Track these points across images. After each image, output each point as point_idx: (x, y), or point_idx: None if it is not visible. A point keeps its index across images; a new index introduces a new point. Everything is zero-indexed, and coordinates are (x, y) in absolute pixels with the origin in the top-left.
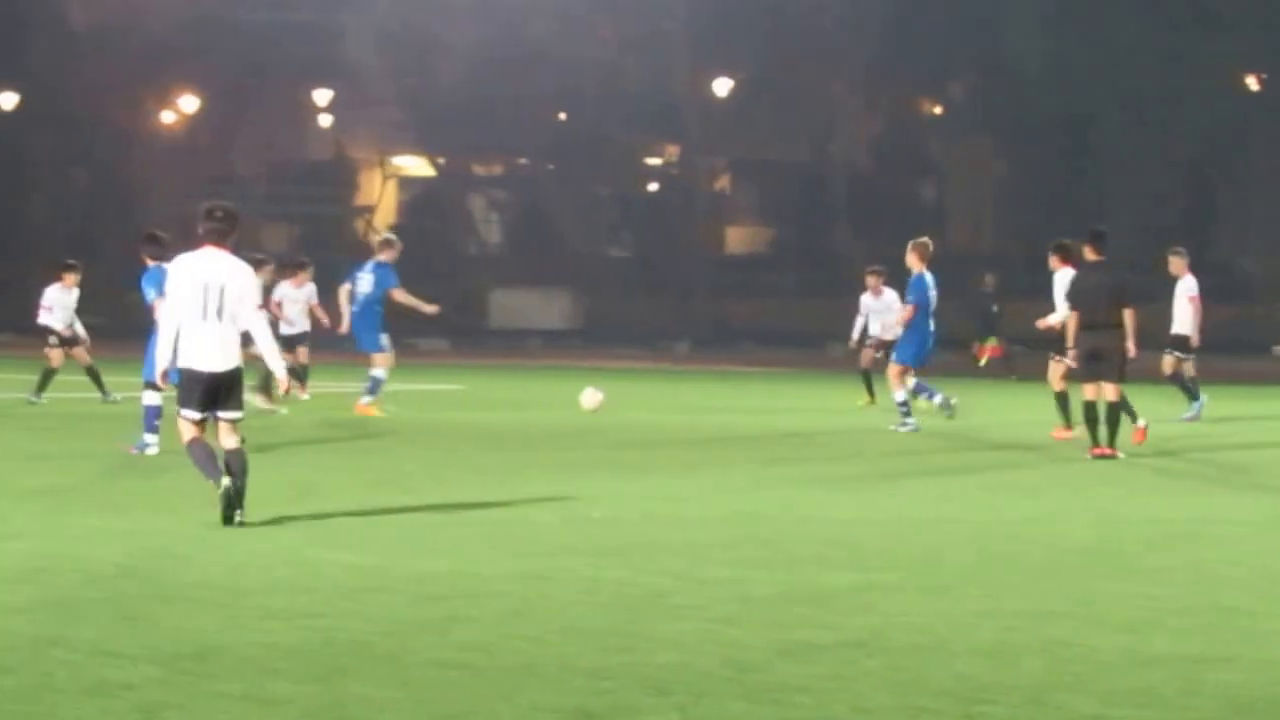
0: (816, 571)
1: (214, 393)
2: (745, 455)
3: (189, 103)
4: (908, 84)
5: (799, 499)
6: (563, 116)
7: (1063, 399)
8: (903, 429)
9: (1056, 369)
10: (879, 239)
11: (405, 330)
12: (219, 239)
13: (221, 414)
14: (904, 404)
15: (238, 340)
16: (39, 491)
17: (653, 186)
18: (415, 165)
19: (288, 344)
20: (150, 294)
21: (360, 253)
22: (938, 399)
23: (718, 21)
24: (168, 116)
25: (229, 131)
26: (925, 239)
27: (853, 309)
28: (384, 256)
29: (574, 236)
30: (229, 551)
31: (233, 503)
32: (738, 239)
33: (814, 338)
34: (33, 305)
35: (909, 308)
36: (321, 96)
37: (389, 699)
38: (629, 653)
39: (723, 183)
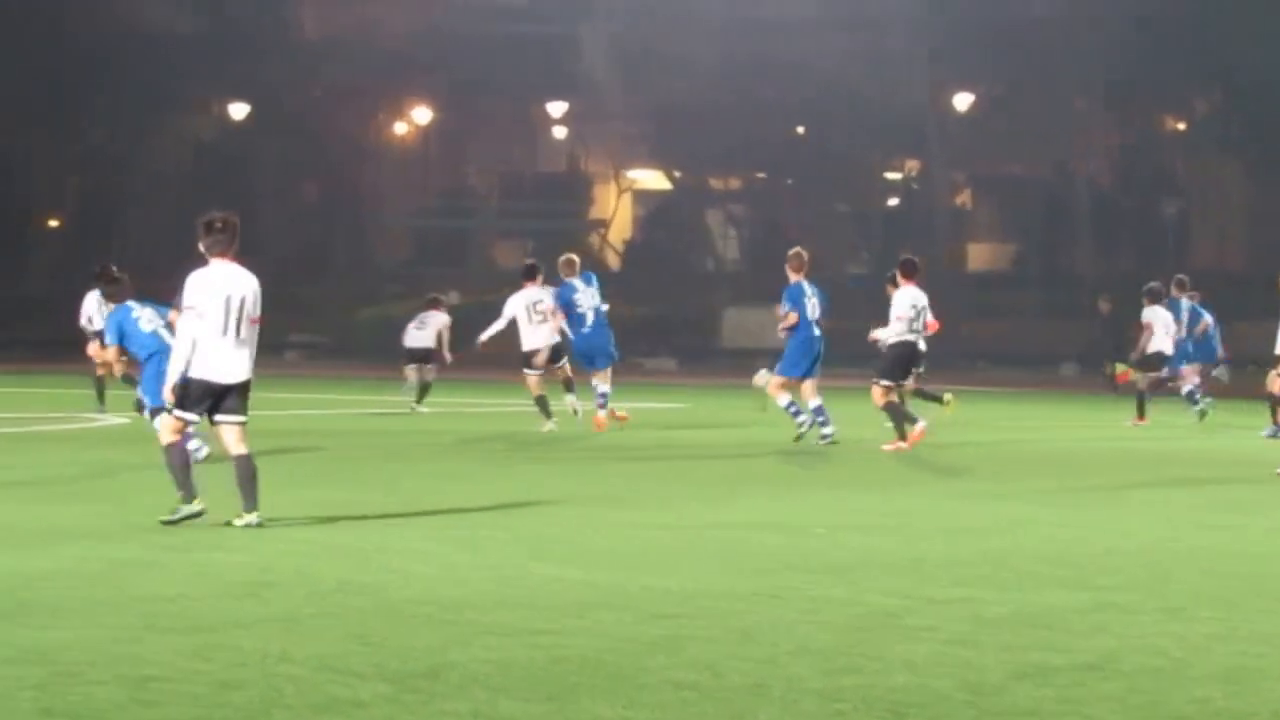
0: (1046, 591)
1: (220, 399)
2: (964, 471)
3: (422, 114)
4: (1150, 99)
5: (1019, 515)
6: (801, 131)
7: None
8: (823, 441)
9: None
10: (1120, 257)
11: (635, 349)
12: (224, 249)
13: (228, 418)
14: (792, 407)
15: (254, 354)
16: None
17: (892, 202)
18: (651, 179)
19: (412, 357)
20: (110, 338)
21: (594, 267)
22: (816, 423)
23: (959, 35)
24: (400, 128)
25: (461, 144)
26: (799, 249)
27: (1091, 329)
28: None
29: (814, 252)
30: (453, 566)
31: (184, 520)
32: (978, 256)
33: (1049, 358)
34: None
35: (790, 315)
36: (556, 109)
37: (620, 718)
38: (860, 674)
39: (963, 198)
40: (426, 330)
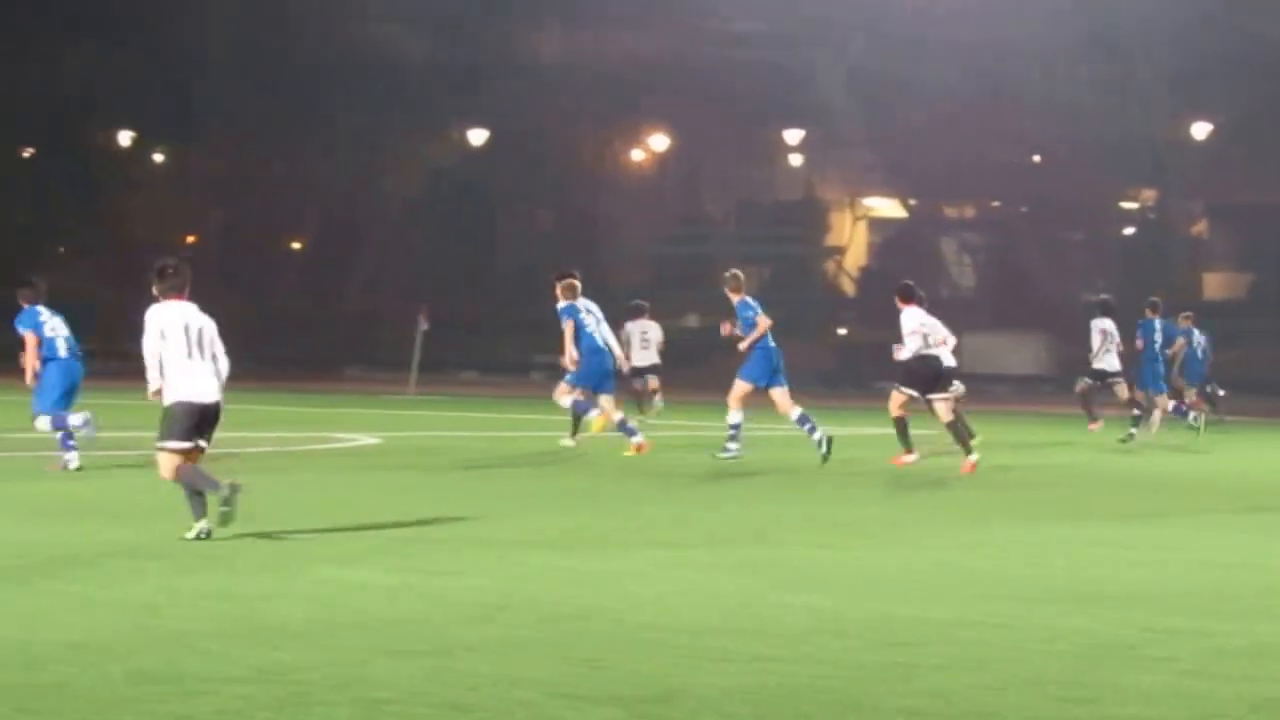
0: None
1: (202, 423)
2: (1194, 503)
3: (659, 141)
4: None
5: (1257, 546)
6: (1036, 159)
7: None
8: (723, 455)
9: None
10: None
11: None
12: (179, 292)
13: (204, 443)
14: (735, 426)
15: (221, 376)
16: (491, 528)
17: (1128, 231)
18: (886, 207)
19: (637, 373)
20: (25, 332)
21: (831, 293)
22: (817, 435)
23: (1197, 64)
24: (636, 155)
25: (697, 171)
26: (735, 270)
27: None
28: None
29: (1046, 281)
30: (687, 592)
31: (232, 501)
32: (1214, 285)
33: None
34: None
35: (761, 321)
36: (792, 136)
37: None
38: (1093, 705)
39: (1200, 228)
40: (650, 349)
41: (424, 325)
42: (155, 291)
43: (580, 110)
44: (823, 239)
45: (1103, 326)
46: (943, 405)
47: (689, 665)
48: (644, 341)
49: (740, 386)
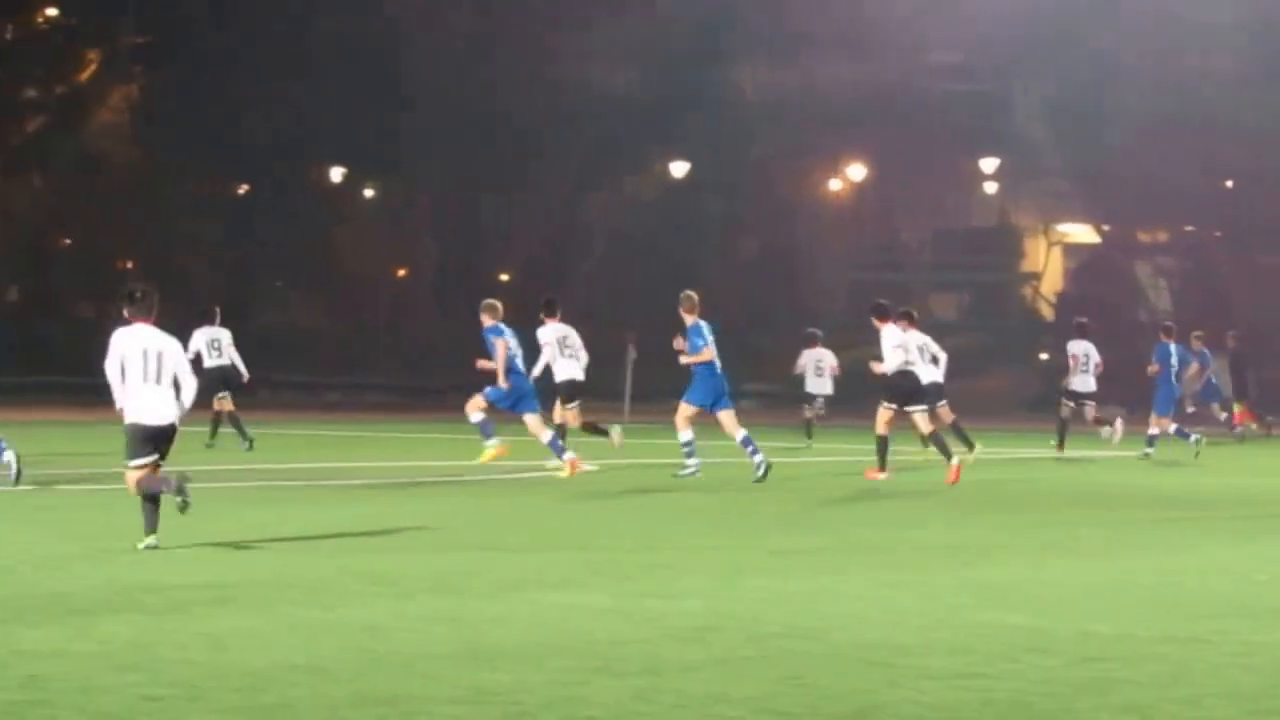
0: None
1: (157, 440)
2: None
3: (856, 171)
4: None
5: None
6: (1229, 184)
7: None
8: (683, 473)
9: None
10: None
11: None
12: (145, 316)
13: (160, 459)
14: (688, 444)
15: (174, 397)
16: (702, 551)
17: None
18: (1080, 232)
19: (810, 399)
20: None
21: (1029, 319)
22: (757, 458)
23: None
24: (834, 185)
25: (894, 199)
26: (689, 292)
27: None
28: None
29: (1243, 304)
30: (893, 611)
31: (185, 492)
32: None
33: None
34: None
35: (705, 352)
36: (988, 165)
37: None
38: None
39: None
40: (825, 377)
41: (633, 354)
42: (125, 314)
43: (779, 141)
44: (1017, 265)
45: (1075, 350)
46: (920, 418)
47: (890, 682)
48: (818, 369)
49: (685, 409)
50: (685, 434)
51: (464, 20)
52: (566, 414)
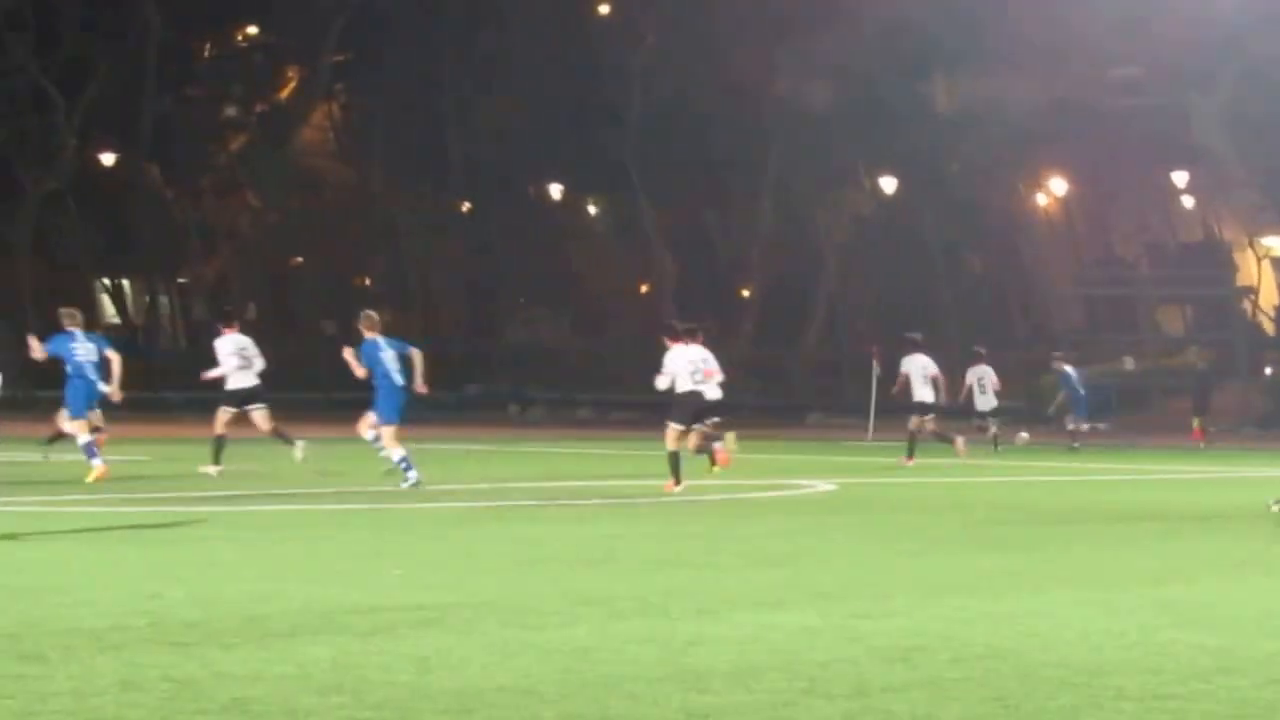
0: None
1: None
2: None
3: (1058, 185)
4: None
5: None
6: None
7: None
8: (405, 485)
9: None
10: None
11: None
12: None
13: None
14: (402, 459)
15: None
16: (910, 571)
17: None
18: None
19: (980, 417)
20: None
21: (1248, 334)
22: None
23: None
24: (1040, 199)
25: (1102, 214)
26: (369, 311)
27: None
28: None
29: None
30: (1092, 632)
31: None
32: None
33: None
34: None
35: (364, 370)
36: (1179, 178)
37: None
38: None
39: None
40: (988, 394)
41: (878, 370)
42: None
43: (978, 156)
44: (1232, 279)
45: (979, 374)
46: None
47: (1090, 703)
48: (981, 387)
49: (386, 430)
50: (396, 452)
51: (672, 36)
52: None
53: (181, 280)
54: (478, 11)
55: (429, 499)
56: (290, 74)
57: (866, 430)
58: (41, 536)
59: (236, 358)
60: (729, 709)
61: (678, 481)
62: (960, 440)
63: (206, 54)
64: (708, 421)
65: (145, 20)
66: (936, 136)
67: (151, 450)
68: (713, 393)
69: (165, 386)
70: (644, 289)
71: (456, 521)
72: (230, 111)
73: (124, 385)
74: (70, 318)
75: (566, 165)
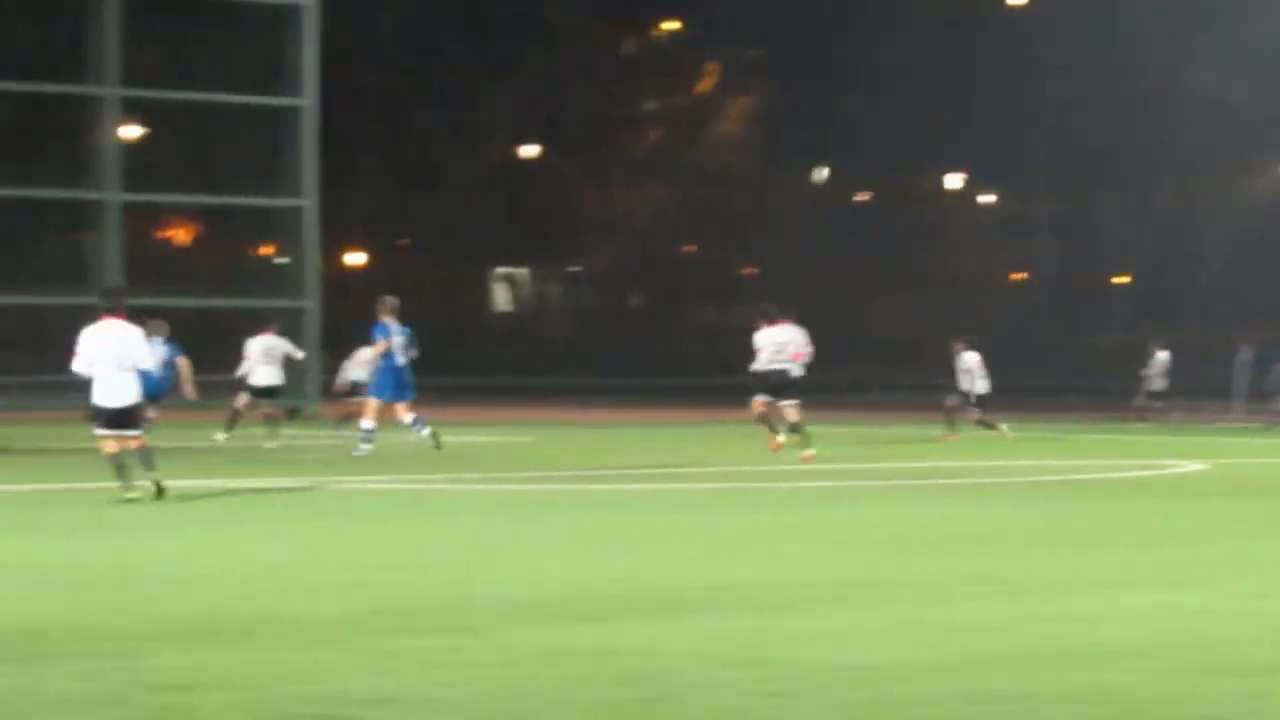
0: None
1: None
2: None
3: None
4: None
5: None
6: None
7: None
8: (357, 453)
9: None
10: None
11: None
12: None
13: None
14: (369, 430)
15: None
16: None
17: None
18: None
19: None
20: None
21: None
22: (425, 431)
23: None
24: None
25: None
26: (388, 296)
27: None
28: None
29: None
30: (1259, 628)
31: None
32: None
33: None
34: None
35: (381, 344)
36: None
37: None
38: None
39: None
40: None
41: (1246, 355)
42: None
43: None
44: None
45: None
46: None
47: (1255, 697)
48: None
49: (370, 402)
50: (368, 423)
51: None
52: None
53: (572, 269)
54: (892, 8)
55: (823, 478)
56: (710, 69)
57: (1233, 412)
58: (437, 515)
59: (264, 356)
60: (1131, 686)
61: (774, 434)
62: None
63: (629, 49)
64: (786, 400)
65: (568, 17)
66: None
67: (532, 432)
68: (796, 371)
69: (548, 372)
70: (1016, 277)
71: (853, 500)
72: (649, 105)
73: (513, 370)
74: (389, 308)
75: (966, 156)
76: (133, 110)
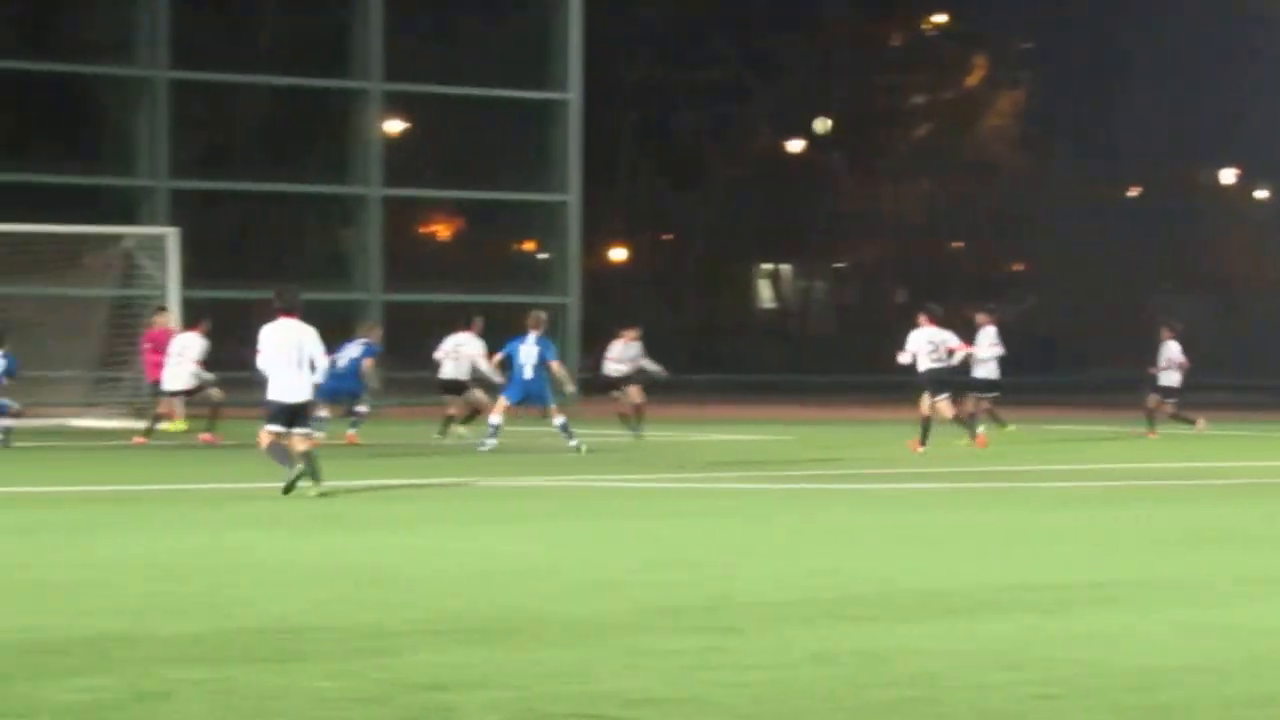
0: None
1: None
2: None
3: None
4: None
5: None
6: None
7: None
8: (483, 448)
9: None
10: None
11: None
12: (288, 312)
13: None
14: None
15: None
16: None
17: None
18: None
19: None
20: None
21: None
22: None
23: None
24: None
25: None
26: (537, 312)
27: None
28: None
29: None
30: None
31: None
32: None
33: None
34: None
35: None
36: None
37: None
38: None
39: None
40: None
41: None
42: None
43: None
44: None
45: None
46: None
47: None
48: None
49: (500, 401)
50: (495, 418)
51: None
52: None
53: (837, 265)
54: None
55: (1066, 479)
56: (978, 62)
57: None
58: (693, 515)
59: (453, 352)
60: None
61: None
62: None
63: (897, 43)
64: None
65: (834, 12)
66: None
67: (795, 431)
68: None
69: (812, 370)
70: None
71: (1103, 501)
72: (916, 99)
73: (774, 369)
74: (535, 321)
75: (1239, 151)
76: (395, 104)
